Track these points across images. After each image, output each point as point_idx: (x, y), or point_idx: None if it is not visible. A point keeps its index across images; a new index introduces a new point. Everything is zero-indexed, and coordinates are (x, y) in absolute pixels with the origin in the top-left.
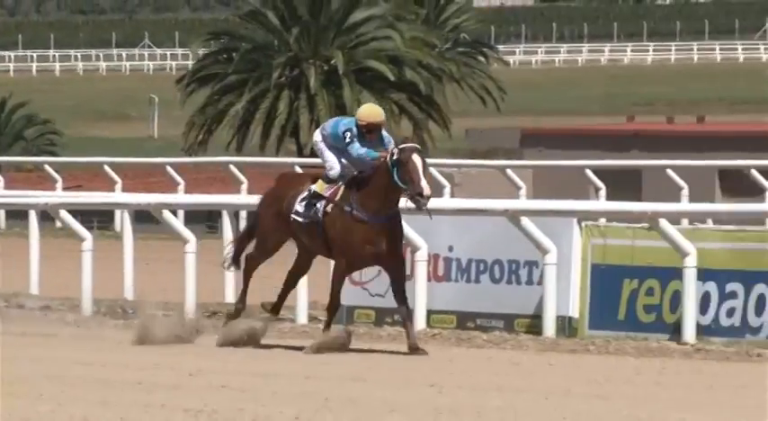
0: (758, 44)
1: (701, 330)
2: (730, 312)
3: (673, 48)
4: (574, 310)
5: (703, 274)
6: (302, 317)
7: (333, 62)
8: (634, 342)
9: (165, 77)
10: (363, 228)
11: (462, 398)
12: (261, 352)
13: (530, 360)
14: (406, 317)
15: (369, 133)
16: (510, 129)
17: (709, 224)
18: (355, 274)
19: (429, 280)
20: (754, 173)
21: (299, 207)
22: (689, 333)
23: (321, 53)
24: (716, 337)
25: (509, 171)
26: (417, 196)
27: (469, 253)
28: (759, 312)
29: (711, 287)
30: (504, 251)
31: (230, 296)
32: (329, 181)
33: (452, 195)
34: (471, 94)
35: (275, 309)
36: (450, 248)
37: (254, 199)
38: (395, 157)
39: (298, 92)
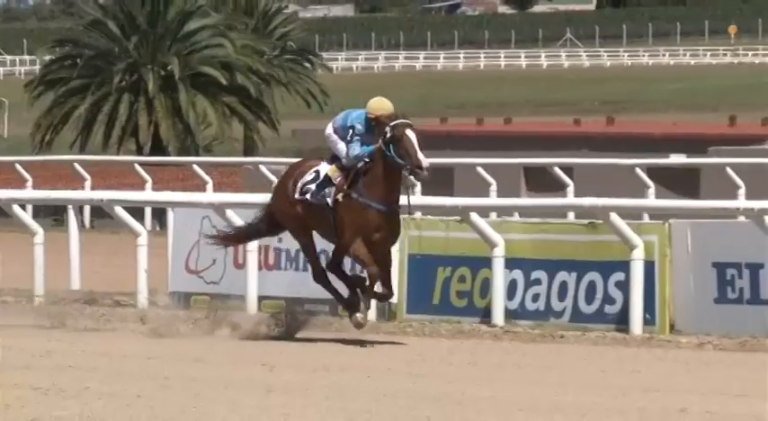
0: (560, 52)
1: (509, 314)
2: (535, 297)
3: (482, 55)
4: (393, 296)
5: (510, 263)
6: (142, 304)
7: (169, 68)
8: (448, 325)
9: (15, 82)
10: (372, 214)
11: (292, 376)
12: (106, 334)
13: (353, 341)
14: (379, 297)
15: (377, 126)
16: None
17: (516, 217)
18: (191, 263)
19: (260, 268)
20: (557, 170)
21: (306, 187)
22: (498, 316)
23: (159, 59)
24: (522, 320)
25: None
26: (416, 169)
27: (297, 244)
28: (561, 297)
29: (518, 275)
30: (329, 243)
31: (76, 284)
32: (342, 167)
33: None
34: (298, 98)
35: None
36: (280, 239)
37: (97, 194)
38: (388, 135)
39: (137, 95)
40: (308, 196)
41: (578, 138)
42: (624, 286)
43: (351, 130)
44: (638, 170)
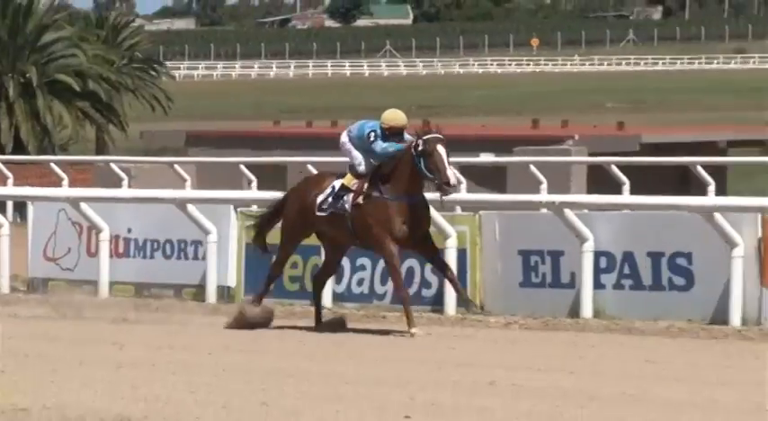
0: (380, 62)
1: (337, 297)
2: (360, 282)
3: (311, 65)
4: (232, 281)
5: None
6: (5, 288)
7: (28, 76)
8: (282, 307)
9: None
10: (396, 207)
11: (140, 353)
12: None
13: (195, 322)
14: (454, 280)
15: (392, 136)
16: (177, 131)
17: None
18: (49, 251)
19: (111, 256)
20: None
21: (325, 203)
22: (326, 299)
23: (18, 68)
24: (349, 303)
25: (176, 166)
26: (444, 185)
27: (145, 234)
28: (383, 282)
29: (345, 261)
30: (174, 232)
31: None
32: (357, 175)
33: (130, 186)
34: (144, 102)
35: (317, 317)
36: (129, 230)
37: None
38: (420, 148)
39: None
40: (327, 211)
41: None
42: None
43: (372, 133)
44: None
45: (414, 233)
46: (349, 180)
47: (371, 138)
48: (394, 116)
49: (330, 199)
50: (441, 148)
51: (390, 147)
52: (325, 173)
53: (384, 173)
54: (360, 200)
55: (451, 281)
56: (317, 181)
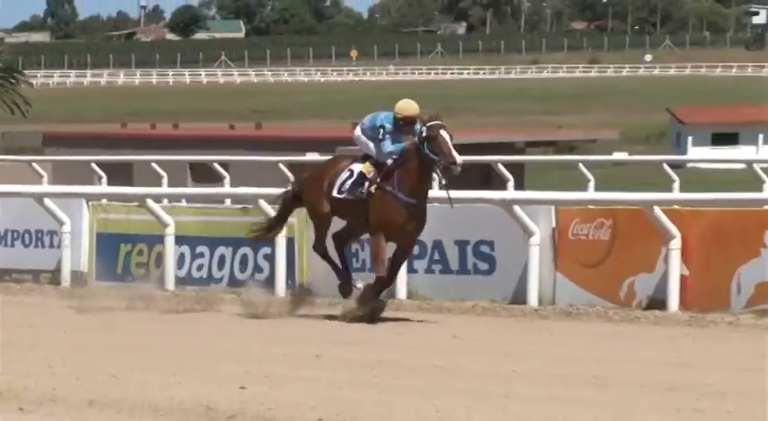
0: (216, 71)
1: (179, 281)
2: (200, 267)
3: (154, 73)
4: (84, 266)
5: (179, 240)
6: None
7: None
8: (127, 290)
9: None
10: (400, 209)
11: (0, 333)
12: None
13: (52, 304)
14: (378, 285)
15: (405, 125)
16: (34, 132)
17: (184, 203)
18: None
19: None
20: (216, 165)
21: (343, 186)
22: (169, 283)
23: None
24: (189, 286)
25: (34, 164)
26: (450, 165)
27: (6, 225)
28: (221, 267)
29: (185, 249)
30: (33, 223)
31: None
32: (375, 164)
33: None
34: (5, 107)
35: (345, 275)
36: None
37: None
38: (423, 134)
39: None
40: (345, 195)
41: (233, 139)
42: (270, 258)
43: (381, 129)
44: (281, 165)
45: (408, 229)
46: (367, 168)
47: (380, 136)
48: (407, 106)
49: (349, 184)
50: (444, 133)
51: (396, 151)
52: (340, 156)
53: (398, 166)
54: (372, 189)
55: (374, 284)
56: (334, 163)
